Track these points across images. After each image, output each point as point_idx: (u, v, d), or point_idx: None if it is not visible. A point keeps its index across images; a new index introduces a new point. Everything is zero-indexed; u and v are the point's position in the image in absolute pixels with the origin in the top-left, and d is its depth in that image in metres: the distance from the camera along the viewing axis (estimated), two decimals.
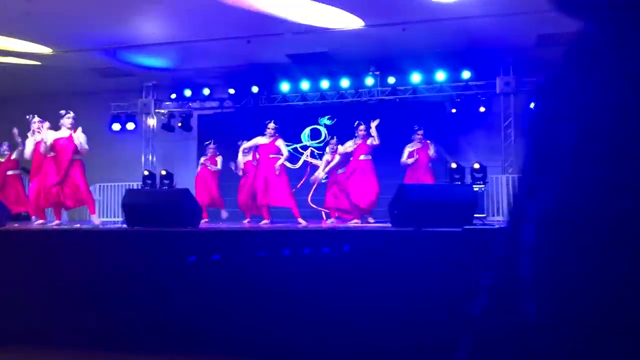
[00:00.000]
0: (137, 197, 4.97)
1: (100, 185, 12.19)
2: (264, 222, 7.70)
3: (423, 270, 3.99)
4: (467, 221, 4.45)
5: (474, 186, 10.37)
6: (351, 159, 8.25)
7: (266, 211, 7.84)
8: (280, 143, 8.00)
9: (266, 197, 7.66)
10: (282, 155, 7.92)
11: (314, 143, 11.75)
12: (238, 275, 4.28)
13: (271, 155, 7.84)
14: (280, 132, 9.73)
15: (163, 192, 5.15)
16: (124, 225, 4.86)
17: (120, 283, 4.51)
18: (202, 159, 9.99)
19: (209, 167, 9.62)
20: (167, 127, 12.30)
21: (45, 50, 10.56)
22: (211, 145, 9.86)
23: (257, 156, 8.31)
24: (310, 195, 9.28)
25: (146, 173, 11.49)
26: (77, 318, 4.47)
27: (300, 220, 7.60)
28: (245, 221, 8.69)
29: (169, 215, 4.61)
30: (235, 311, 4.19)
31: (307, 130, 11.97)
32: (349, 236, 4.27)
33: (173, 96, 12.33)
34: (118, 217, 10.94)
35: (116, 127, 12.34)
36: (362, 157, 8.06)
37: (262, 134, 8.44)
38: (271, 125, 8.08)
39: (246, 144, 8.44)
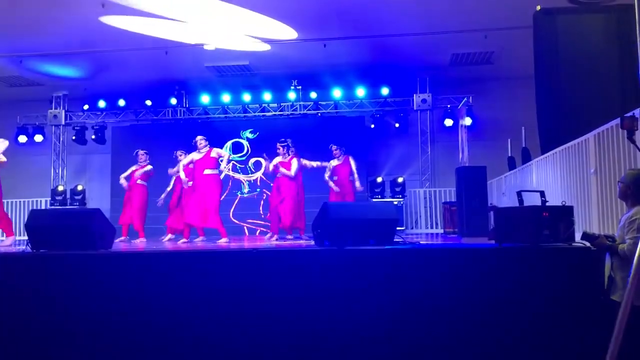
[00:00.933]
0: (42, 218, 4.62)
1: (6, 202, 11.33)
2: (182, 241, 7.44)
3: (347, 289, 3.97)
4: (389, 238, 4.48)
5: (393, 200, 10.61)
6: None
7: (188, 231, 7.56)
8: (215, 151, 7.67)
9: (194, 217, 7.34)
10: (219, 166, 7.62)
11: (236, 157, 11.57)
12: (152, 299, 4.07)
13: (206, 171, 7.47)
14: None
15: (71, 212, 4.83)
16: (28, 248, 4.50)
17: (24, 308, 4.18)
18: (132, 168, 8.93)
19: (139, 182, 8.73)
20: (79, 139, 11.67)
21: None
22: (141, 152, 8.75)
23: None
24: (231, 210, 9.12)
25: (61, 188, 10.83)
26: None
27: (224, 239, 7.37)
28: (182, 241, 8.24)
29: (77, 238, 4.31)
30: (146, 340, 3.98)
31: (228, 144, 11.76)
32: (273, 255, 4.19)
33: (86, 107, 11.76)
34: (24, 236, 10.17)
35: (22, 139, 11.59)
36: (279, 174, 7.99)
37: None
38: (199, 137, 7.75)
39: (184, 161, 7.94)
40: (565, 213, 3.73)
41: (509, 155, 9.35)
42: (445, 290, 3.79)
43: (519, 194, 3.87)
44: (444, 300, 3.78)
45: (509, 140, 9.46)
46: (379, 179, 10.74)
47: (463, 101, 10.73)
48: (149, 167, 8.47)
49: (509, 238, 3.78)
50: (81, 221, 4.39)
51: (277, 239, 7.65)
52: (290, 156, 8.05)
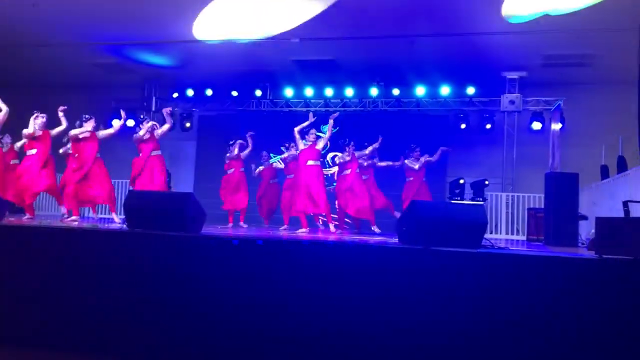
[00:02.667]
0: (139, 199, 4.85)
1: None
2: (283, 228, 7.86)
3: (431, 290, 3.89)
4: (476, 242, 4.36)
5: (473, 202, 10.32)
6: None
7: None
8: (320, 143, 7.89)
9: (315, 206, 7.57)
10: (320, 159, 7.92)
11: None
12: (240, 283, 4.17)
13: (310, 162, 7.69)
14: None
15: (165, 195, 5.03)
16: (125, 227, 4.74)
17: (118, 285, 4.40)
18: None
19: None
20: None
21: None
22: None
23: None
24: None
25: None
26: (73, 318, 4.35)
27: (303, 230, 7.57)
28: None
29: (171, 220, 4.49)
30: (235, 320, 4.08)
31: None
32: (357, 250, 4.18)
33: (175, 95, 12.21)
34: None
35: (116, 123, 12.14)
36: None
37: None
38: (312, 130, 7.93)
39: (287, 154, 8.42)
40: None
41: (602, 163, 8.86)
42: (537, 301, 3.63)
43: (625, 204, 3.66)
44: (535, 310, 3.63)
45: (603, 147, 8.96)
46: (461, 181, 10.49)
47: (556, 104, 10.27)
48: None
49: (612, 250, 3.57)
50: (175, 204, 4.57)
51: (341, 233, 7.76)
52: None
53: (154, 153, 7.66)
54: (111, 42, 10.33)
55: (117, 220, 7.44)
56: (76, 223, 6.85)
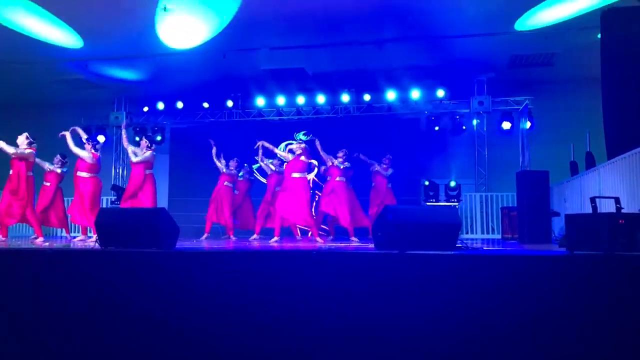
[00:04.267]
0: (110, 216, 4.77)
1: (67, 199, 11.82)
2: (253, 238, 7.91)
3: (408, 294, 3.91)
4: (451, 243, 4.40)
5: (448, 204, 10.43)
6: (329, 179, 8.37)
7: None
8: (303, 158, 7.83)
9: (288, 215, 7.58)
10: (309, 170, 8.01)
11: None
12: (217, 297, 4.12)
13: (295, 174, 7.67)
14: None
15: (137, 211, 4.96)
16: (97, 245, 4.66)
17: (91, 303, 4.32)
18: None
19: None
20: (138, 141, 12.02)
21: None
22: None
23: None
24: None
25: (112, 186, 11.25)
26: (49, 339, 4.25)
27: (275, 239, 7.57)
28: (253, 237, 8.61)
29: (144, 236, 4.43)
30: (216, 336, 4.04)
31: (282, 145, 11.85)
32: (334, 258, 4.17)
33: (145, 109, 12.08)
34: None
35: (101, 138, 11.96)
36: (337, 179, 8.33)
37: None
38: (296, 144, 8.02)
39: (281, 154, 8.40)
40: None
41: (572, 159, 9.03)
42: (513, 299, 3.67)
43: (592, 200, 3.72)
44: (511, 309, 3.67)
45: (572, 144, 9.13)
46: (432, 182, 10.61)
47: (524, 104, 10.44)
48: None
49: (582, 246, 3.63)
50: (148, 220, 4.50)
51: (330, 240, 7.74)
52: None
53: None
54: (77, 58, 10.18)
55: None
56: (47, 244, 6.74)
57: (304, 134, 11.73)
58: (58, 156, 8.42)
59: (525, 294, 3.58)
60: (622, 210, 3.70)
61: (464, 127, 11.23)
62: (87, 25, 8.81)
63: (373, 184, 9.36)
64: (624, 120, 6.68)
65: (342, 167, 8.34)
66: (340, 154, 8.46)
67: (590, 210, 3.84)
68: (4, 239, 7.41)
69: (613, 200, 3.79)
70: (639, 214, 3.60)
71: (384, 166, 9.24)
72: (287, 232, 9.34)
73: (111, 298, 4.18)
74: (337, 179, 8.29)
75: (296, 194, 7.50)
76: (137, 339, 4.14)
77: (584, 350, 3.48)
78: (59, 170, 8.35)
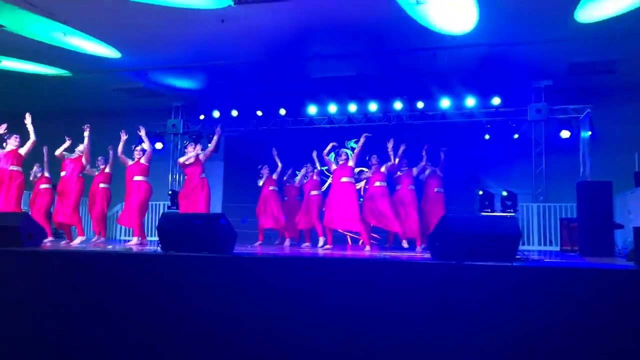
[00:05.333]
0: (172, 221, 4.92)
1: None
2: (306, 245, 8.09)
3: (465, 306, 3.84)
4: (510, 255, 4.30)
5: (504, 214, 10.18)
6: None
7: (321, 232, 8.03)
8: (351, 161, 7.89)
9: (334, 221, 7.58)
10: (354, 177, 7.94)
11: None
12: (273, 303, 4.17)
13: (343, 179, 7.71)
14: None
15: (197, 217, 5.09)
16: (159, 249, 4.81)
17: (152, 307, 4.45)
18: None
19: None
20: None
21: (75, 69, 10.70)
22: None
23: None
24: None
25: (170, 192, 11.54)
26: (110, 342, 4.41)
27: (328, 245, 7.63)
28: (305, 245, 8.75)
29: (203, 240, 4.54)
30: (272, 340, 4.08)
31: (333, 153, 11.89)
32: (390, 267, 4.15)
33: (201, 117, 12.37)
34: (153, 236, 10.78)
35: (159, 145, 12.37)
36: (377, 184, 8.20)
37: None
38: (342, 150, 8.17)
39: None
40: None
41: (636, 170, 8.67)
42: (575, 315, 3.55)
43: None
44: (572, 323, 3.55)
45: (636, 154, 8.77)
46: (487, 192, 10.38)
47: (585, 112, 10.11)
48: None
49: None
50: (207, 225, 4.61)
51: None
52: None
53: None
54: (136, 67, 10.55)
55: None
56: (110, 246, 7.01)
57: (355, 142, 11.78)
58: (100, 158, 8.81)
59: (589, 308, 3.46)
60: None
61: (515, 136, 10.94)
62: (143, 37, 9.12)
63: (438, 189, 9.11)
64: None
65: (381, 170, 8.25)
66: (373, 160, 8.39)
67: None
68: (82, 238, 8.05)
69: None
70: None
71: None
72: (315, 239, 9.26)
73: (173, 301, 4.29)
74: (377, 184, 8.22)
75: (346, 199, 7.51)
76: (200, 341, 4.24)
77: None
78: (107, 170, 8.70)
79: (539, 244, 10.45)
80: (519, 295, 3.76)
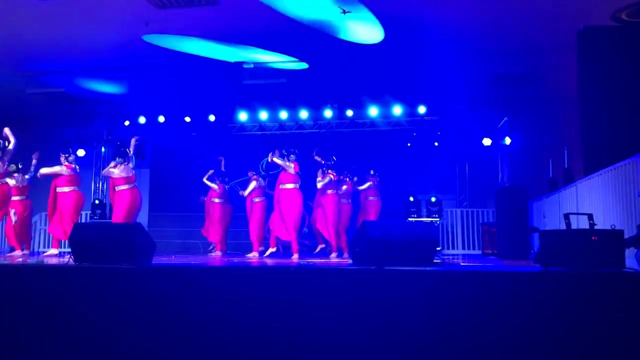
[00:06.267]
0: (85, 232, 4.71)
1: (44, 214, 11.68)
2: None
3: (386, 310, 3.89)
4: (428, 259, 4.40)
5: (429, 219, 10.48)
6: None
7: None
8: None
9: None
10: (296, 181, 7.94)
11: (272, 172, 11.63)
12: (191, 315, 4.07)
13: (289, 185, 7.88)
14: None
15: (113, 227, 4.90)
16: (71, 261, 4.59)
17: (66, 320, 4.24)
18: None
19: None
20: (119, 154, 11.89)
21: None
22: None
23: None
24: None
25: (97, 202, 11.11)
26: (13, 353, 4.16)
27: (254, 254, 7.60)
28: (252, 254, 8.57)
29: (119, 252, 4.37)
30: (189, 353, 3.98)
31: (264, 161, 11.84)
32: (312, 274, 4.15)
33: (126, 123, 11.98)
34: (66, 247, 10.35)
35: (80, 153, 11.82)
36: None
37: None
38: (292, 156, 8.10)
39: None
40: (615, 237, 3.59)
41: (550, 176, 9.13)
42: (487, 315, 3.67)
43: (566, 216, 3.76)
44: (485, 324, 3.67)
45: (550, 161, 9.24)
46: (411, 198, 10.68)
47: (503, 121, 10.57)
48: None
49: (556, 262, 3.66)
50: (123, 235, 4.45)
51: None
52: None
53: (120, 188, 7.43)
54: (55, 71, 10.11)
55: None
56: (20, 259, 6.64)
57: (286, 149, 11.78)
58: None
59: (500, 309, 3.58)
60: (596, 227, 3.74)
61: (436, 144, 11.30)
62: (69, 37, 8.76)
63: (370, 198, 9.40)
64: (601, 137, 6.79)
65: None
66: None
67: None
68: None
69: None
70: (611, 230, 3.63)
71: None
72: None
73: (84, 315, 4.10)
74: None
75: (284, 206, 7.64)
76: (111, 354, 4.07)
77: None
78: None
79: (463, 248, 10.79)
80: (436, 297, 3.84)
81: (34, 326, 4.22)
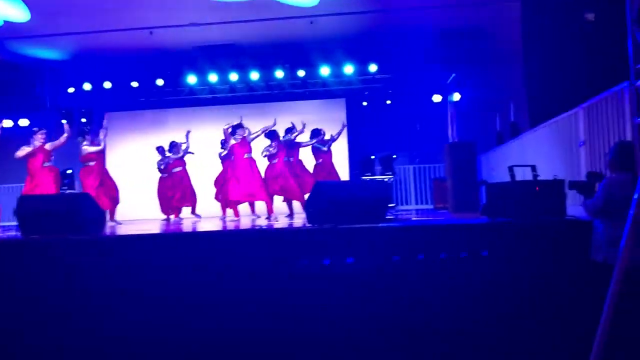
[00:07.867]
0: (31, 203, 4.57)
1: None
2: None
3: (342, 267, 3.98)
4: (380, 216, 4.50)
5: (383, 177, 10.62)
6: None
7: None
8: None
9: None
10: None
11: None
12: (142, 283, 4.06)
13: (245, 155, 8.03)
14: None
15: (60, 197, 4.78)
16: (18, 234, 4.47)
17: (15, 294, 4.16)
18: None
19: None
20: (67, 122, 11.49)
21: None
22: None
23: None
24: None
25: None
26: None
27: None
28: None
29: (68, 223, 4.28)
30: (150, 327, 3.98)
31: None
32: (268, 235, 4.19)
33: (71, 90, 11.52)
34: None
35: (7, 123, 11.31)
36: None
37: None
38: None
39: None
40: (556, 187, 3.75)
41: (498, 130, 9.37)
42: (439, 266, 3.82)
43: (510, 169, 3.89)
44: (437, 276, 3.81)
45: (498, 115, 9.47)
46: (372, 157, 10.78)
47: (451, 77, 10.69)
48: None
49: (501, 213, 3.80)
50: (71, 206, 4.35)
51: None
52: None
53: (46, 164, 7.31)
54: None
55: None
56: None
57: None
58: None
59: (449, 261, 3.72)
60: (539, 178, 3.89)
61: (388, 102, 11.38)
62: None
63: (318, 161, 9.40)
64: (545, 90, 6.98)
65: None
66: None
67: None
68: None
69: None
70: (553, 180, 3.79)
71: (320, 141, 9.27)
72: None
73: (33, 288, 4.04)
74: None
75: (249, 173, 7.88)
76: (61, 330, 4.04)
77: (504, 309, 3.67)
78: None
79: (417, 203, 11.05)
80: (389, 252, 3.96)
81: None
